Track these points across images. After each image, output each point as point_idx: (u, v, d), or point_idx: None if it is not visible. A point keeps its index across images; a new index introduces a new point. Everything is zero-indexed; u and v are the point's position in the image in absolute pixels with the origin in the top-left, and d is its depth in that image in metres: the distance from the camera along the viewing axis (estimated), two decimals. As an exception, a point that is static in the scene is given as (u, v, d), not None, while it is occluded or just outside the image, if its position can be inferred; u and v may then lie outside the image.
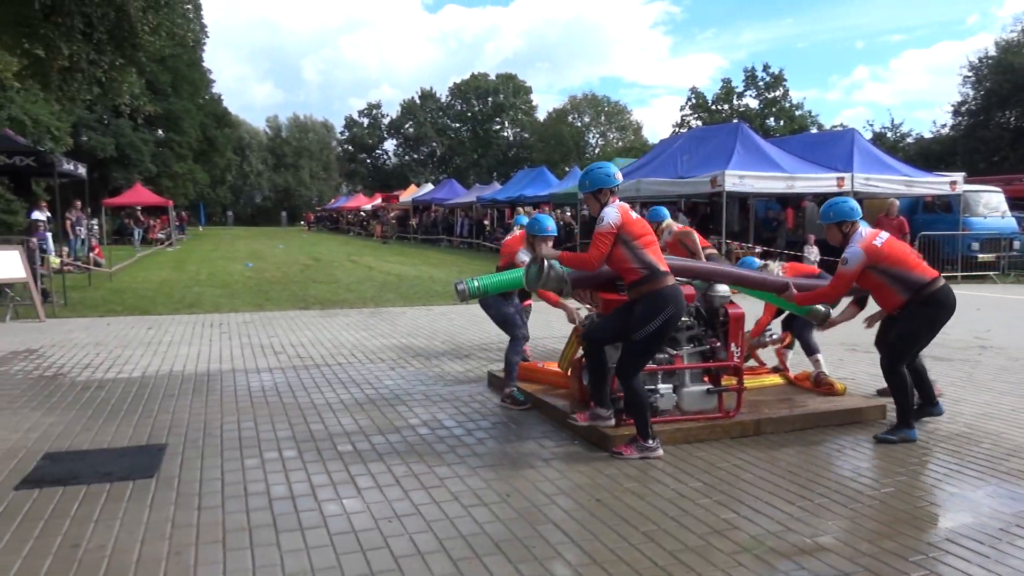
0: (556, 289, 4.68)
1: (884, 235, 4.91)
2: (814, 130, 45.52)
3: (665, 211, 7.70)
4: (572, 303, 6.14)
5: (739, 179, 15.13)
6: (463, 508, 3.68)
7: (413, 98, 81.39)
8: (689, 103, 55.29)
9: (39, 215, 17.38)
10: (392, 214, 43.05)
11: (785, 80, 51.77)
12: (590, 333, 4.69)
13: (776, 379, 6.17)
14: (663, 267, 4.44)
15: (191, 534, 3.35)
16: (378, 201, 48.43)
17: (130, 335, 8.88)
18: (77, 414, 5.36)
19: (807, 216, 18.84)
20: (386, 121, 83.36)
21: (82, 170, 14.02)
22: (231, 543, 3.27)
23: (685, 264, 5.26)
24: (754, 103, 52.57)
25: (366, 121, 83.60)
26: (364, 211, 50.34)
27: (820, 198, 18.82)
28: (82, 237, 20.79)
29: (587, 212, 24.73)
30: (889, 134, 43.30)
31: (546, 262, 4.54)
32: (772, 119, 51.24)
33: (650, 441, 4.44)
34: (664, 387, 4.90)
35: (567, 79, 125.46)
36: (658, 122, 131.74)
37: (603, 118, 73.94)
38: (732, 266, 6.34)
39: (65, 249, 17.15)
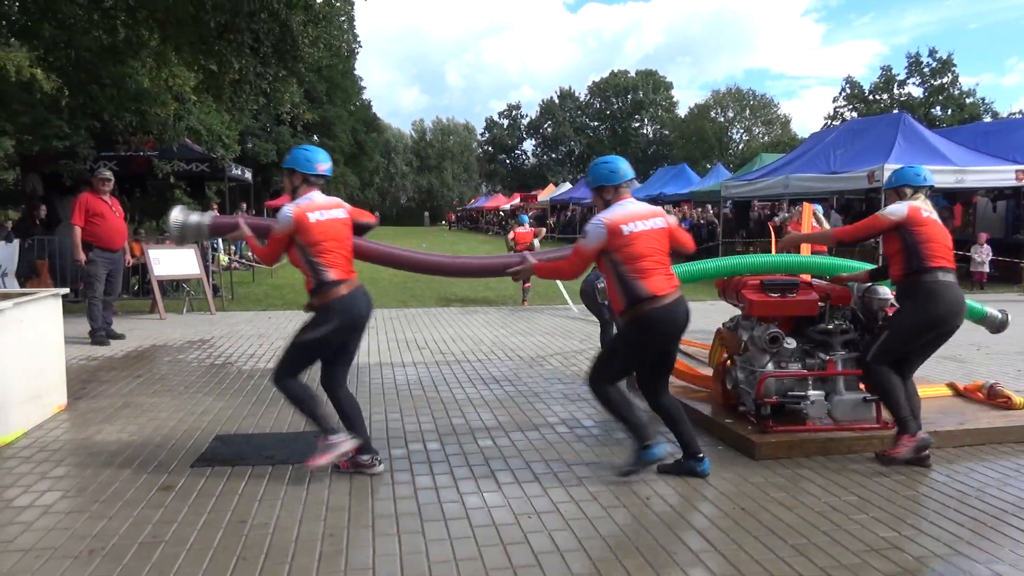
0: (194, 239, 4.62)
1: (662, 220, 4.05)
2: (988, 119, 41.61)
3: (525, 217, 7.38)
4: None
5: (900, 174, 14.07)
6: (602, 508, 3.66)
7: (552, 98, 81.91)
8: (843, 93, 52.21)
9: (211, 216, 19.01)
10: (531, 213, 43.57)
11: (954, 65, 47.63)
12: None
13: (943, 390, 5.70)
14: (335, 275, 4.00)
15: (343, 517, 3.54)
16: (516, 201, 49.14)
17: (288, 328, 9.51)
18: (243, 400, 5.81)
19: (978, 213, 17.25)
20: (525, 122, 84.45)
21: (248, 174, 15.21)
22: (379, 528, 3.42)
23: (374, 248, 4.99)
24: (917, 91, 48.75)
25: (506, 122, 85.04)
26: (503, 211, 51.26)
27: (995, 192, 17.20)
28: (247, 236, 22.50)
29: (728, 211, 23.94)
30: (1080, 121, 38.83)
31: (185, 212, 4.40)
32: (938, 108, 47.32)
33: (337, 435, 4.00)
34: (815, 394, 4.63)
35: (709, 73, 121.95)
36: (808, 115, 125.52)
37: (748, 112, 71.19)
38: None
39: (232, 248, 18.65)
